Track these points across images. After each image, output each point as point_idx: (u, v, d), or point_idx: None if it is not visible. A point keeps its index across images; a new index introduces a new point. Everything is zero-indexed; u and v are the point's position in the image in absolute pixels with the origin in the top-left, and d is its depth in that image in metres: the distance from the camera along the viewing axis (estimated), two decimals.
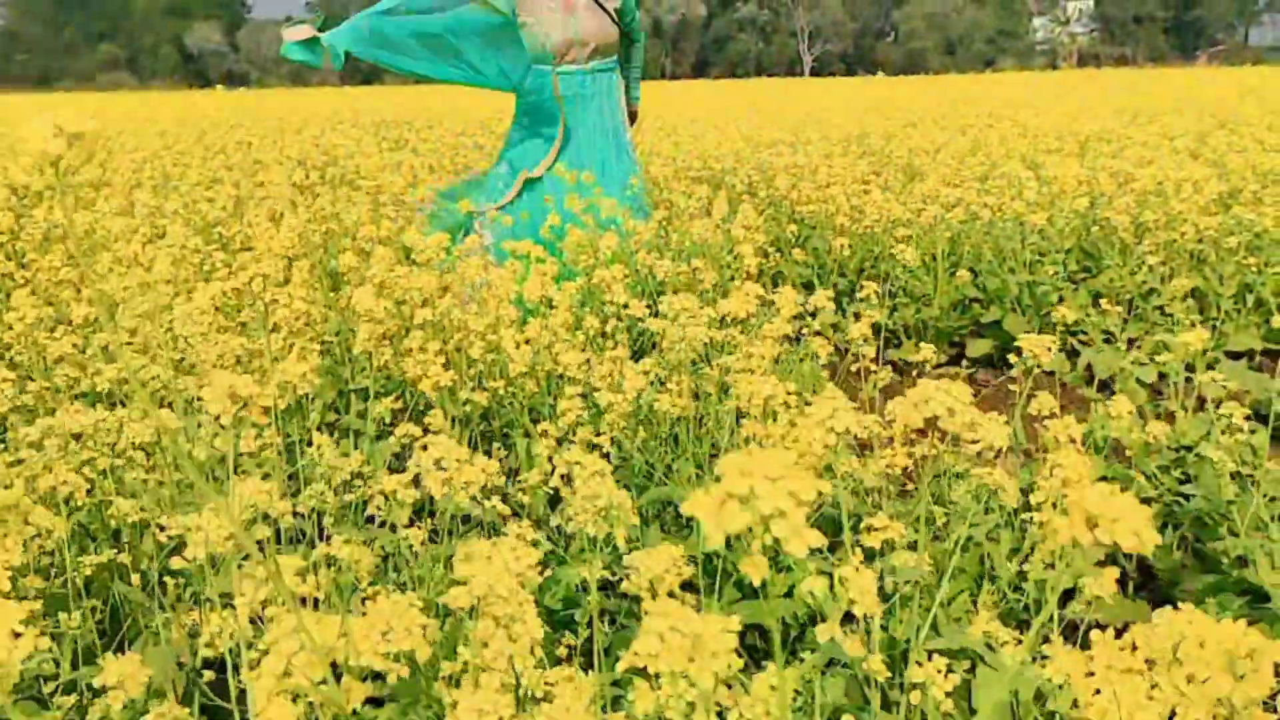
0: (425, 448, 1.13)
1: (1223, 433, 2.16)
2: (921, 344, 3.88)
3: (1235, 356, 3.79)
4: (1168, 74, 26.46)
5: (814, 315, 2.41)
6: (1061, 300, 3.84)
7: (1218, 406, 2.48)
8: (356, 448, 2.20)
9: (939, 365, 3.96)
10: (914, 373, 3.78)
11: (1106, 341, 3.79)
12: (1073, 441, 1.80)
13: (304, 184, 5.75)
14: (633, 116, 4.37)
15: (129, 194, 5.05)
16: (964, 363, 3.98)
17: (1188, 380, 3.70)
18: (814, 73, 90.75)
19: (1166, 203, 4.10)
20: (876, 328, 4.15)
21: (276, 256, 2.45)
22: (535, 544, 1.29)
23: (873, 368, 2.41)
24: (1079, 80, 19.92)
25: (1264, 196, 4.30)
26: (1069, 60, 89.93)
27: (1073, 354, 3.93)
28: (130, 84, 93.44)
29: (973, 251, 4.04)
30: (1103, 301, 3.96)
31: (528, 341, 2.25)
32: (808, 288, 4.40)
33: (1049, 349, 2.20)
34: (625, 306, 2.70)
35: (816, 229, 4.49)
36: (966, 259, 4.09)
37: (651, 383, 2.18)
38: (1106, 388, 3.77)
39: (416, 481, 1.11)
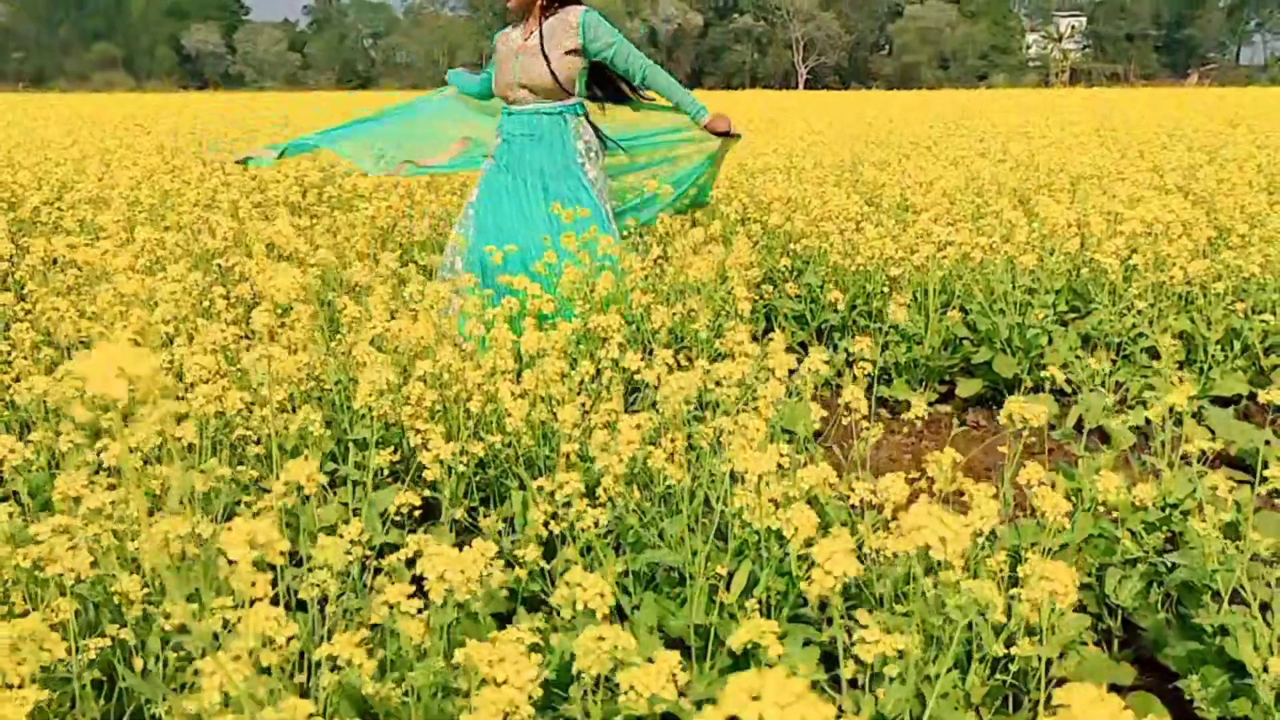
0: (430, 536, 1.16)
1: (1208, 498, 2.20)
2: (914, 392, 3.94)
3: (1222, 402, 3.83)
4: (1159, 94, 26.60)
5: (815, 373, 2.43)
6: (1051, 342, 3.88)
7: (1204, 462, 2.52)
8: (354, 498, 2.22)
9: (930, 404, 4.00)
10: (905, 429, 3.81)
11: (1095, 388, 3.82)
12: (1060, 515, 1.83)
13: (302, 205, 5.76)
14: (726, 135, 4.27)
15: (128, 213, 5.06)
16: (954, 401, 4.02)
17: (1176, 423, 3.76)
18: (808, 84, 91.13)
19: (1155, 243, 4.15)
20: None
21: (276, 305, 2.48)
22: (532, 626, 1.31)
23: (865, 424, 2.43)
24: (1071, 103, 20.02)
25: (1251, 238, 4.35)
26: (1061, 76, 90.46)
27: (1060, 394, 3.97)
28: (126, 84, 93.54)
29: (964, 290, 4.07)
30: (1093, 356, 4.01)
31: (524, 394, 2.27)
32: (799, 321, 4.43)
33: (1040, 415, 2.24)
34: (622, 350, 2.73)
35: (810, 264, 4.53)
36: (958, 296, 4.13)
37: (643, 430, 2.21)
38: (1094, 434, 3.81)
39: (419, 581, 1.13)
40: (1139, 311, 3.91)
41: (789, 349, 4.35)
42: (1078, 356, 3.93)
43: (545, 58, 3.96)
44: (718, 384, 2.12)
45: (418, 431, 1.89)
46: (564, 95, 4.05)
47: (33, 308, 3.23)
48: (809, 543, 1.45)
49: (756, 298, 4.35)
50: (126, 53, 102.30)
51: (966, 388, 3.92)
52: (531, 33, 4.02)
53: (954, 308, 4.14)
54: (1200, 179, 5.73)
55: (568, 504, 1.83)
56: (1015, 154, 6.82)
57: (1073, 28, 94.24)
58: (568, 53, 3.99)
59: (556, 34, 3.99)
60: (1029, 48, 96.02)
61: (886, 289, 4.10)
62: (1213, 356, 3.82)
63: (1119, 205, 4.82)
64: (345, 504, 2.23)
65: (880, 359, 4.08)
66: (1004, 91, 44.94)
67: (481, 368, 2.47)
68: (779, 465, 1.99)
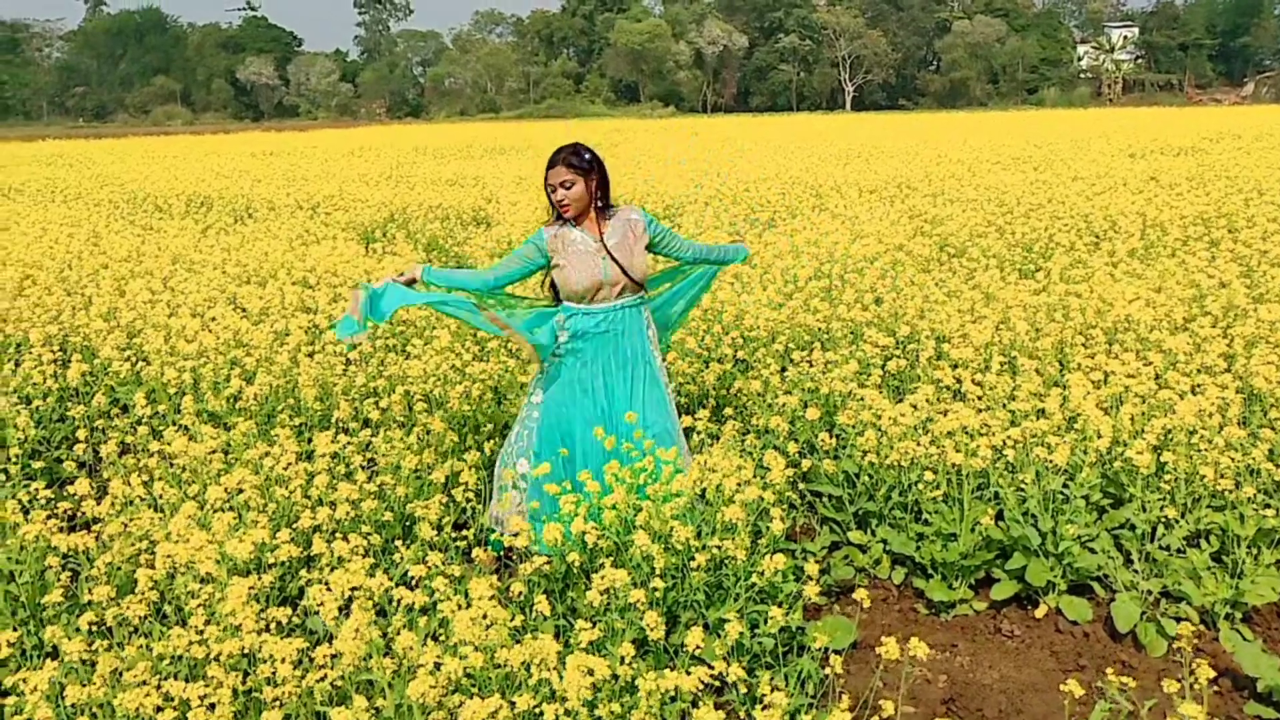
0: None
1: None
2: (950, 590, 4.04)
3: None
4: (1211, 123, 26.24)
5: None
6: (1085, 546, 3.96)
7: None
8: None
9: (963, 600, 4.10)
10: (939, 634, 3.91)
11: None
12: None
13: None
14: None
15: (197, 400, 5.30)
16: (988, 597, 4.10)
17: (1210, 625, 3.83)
18: (855, 103, 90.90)
19: (1188, 430, 4.22)
20: (904, 559, 4.32)
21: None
22: None
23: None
24: (1117, 150, 19.86)
25: None
26: (1113, 88, 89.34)
27: (1090, 593, 4.05)
28: (184, 116, 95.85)
29: (998, 491, 4.17)
30: (1125, 542, 4.10)
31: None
32: (837, 504, 4.55)
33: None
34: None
35: (849, 444, 4.64)
36: (993, 489, 4.22)
37: None
38: (1128, 637, 3.89)
39: None
40: (1170, 510, 3.98)
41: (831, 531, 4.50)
42: (1111, 558, 4.02)
43: (629, 255, 4.18)
44: None
45: None
46: (639, 289, 4.26)
47: (113, 553, 3.46)
48: None
49: (795, 471, 4.47)
50: (184, 86, 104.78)
51: (1001, 590, 4.01)
52: (602, 234, 4.18)
53: (988, 500, 4.25)
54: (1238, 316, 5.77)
55: None
56: (1054, 274, 6.89)
57: (1125, 38, 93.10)
58: (645, 249, 4.22)
59: (628, 233, 4.19)
60: (1080, 59, 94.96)
61: (921, 484, 4.21)
62: (1244, 564, 3.89)
63: (1154, 366, 4.89)
64: None
65: (916, 554, 4.20)
66: (1053, 116, 44.66)
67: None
68: None
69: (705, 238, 9.91)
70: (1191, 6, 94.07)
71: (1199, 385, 4.65)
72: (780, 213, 11.87)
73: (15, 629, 3.15)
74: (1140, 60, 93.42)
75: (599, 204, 4.19)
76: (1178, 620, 3.82)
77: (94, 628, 3.00)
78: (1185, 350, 5.09)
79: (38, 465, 4.47)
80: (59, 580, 3.38)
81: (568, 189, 4.09)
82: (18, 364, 6.22)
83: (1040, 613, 3.96)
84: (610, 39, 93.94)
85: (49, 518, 3.67)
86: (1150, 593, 3.89)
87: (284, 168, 21.31)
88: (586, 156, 4.14)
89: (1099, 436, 4.10)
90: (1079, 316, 5.63)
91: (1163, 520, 4.06)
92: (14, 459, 4.68)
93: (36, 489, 3.98)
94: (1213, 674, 2.90)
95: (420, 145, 31.15)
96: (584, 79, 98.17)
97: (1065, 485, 4.09)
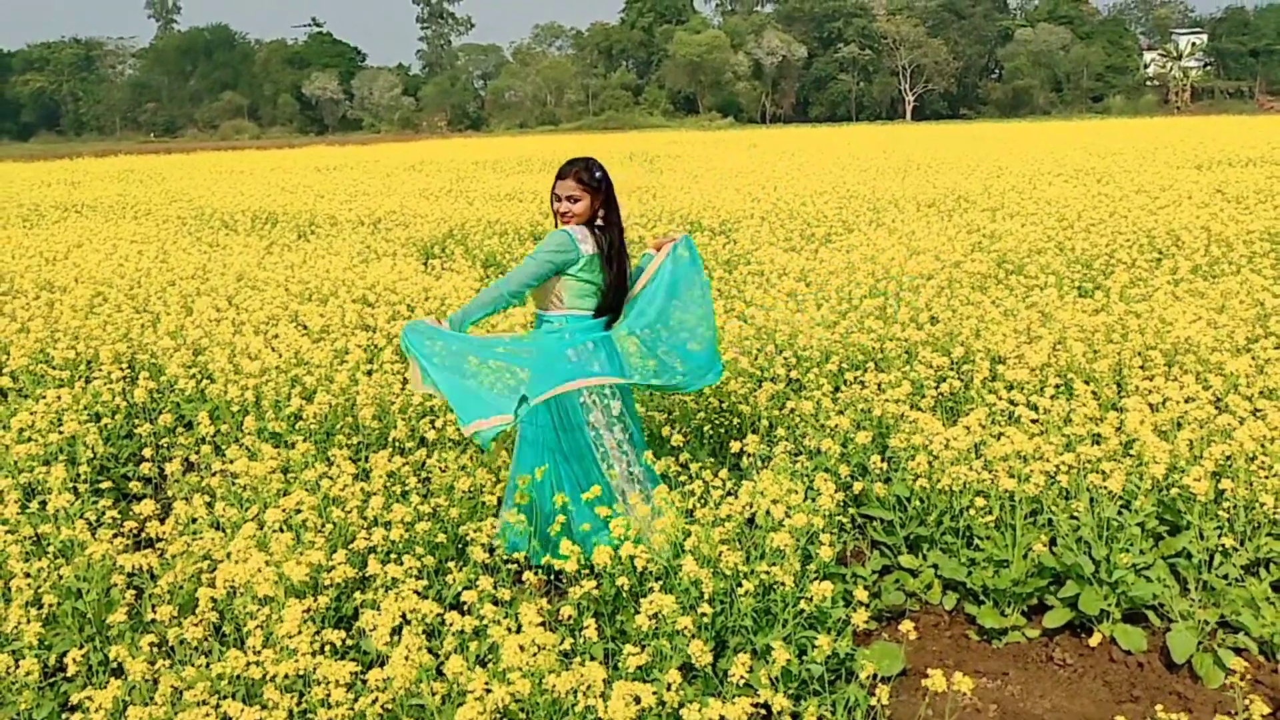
0: None
1: None
2: (1002, 616, 4.00)
3: None
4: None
5: None
6: (1140, 574, 3.91)
7: None
8: None
9: (1015, 627, 4.06)
10: (990, 662, 3.88)
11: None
12: None
13: None
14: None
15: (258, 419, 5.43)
16: (1041, 625, 4.06)
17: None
18: (915, 112, 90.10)
19: (1248, 456, 4.15)
20: (956, 584, 4.29)
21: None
22: None
23: None
24: (1182, 161, 19.46)
25: None
26: (1181, 95, 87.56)
27: (1145, 621, 3.99)
28: (251, 131, 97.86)
29: (1051, 517, 4.13)
30: (1181, 570, 4.03)
31: None
32: (888, 528, 4.53)
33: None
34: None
35: (901, 466, 4.62)
36: (1046, 513, 4.18)
37: None
38: (1184, 667, 3.83)
39: None
40: (1230, 542, 3.91)
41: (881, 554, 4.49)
42: (1166, 586, 3.95)
43: None
44: None
45: None
46: (548, 306, 4.35)
47: (175, 572, 3.56)
48: None
49: (846, 495, 4.47)
50: (251, 101, 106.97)
51: (1054, 618, 3.96)
52: None
53: (1041, 526, 4.20)
54: None
55: None
56: (1113, 293, 6.80)
57: (1193, 45, 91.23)
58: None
59: None
60: (1147, 67, 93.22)
61: (972, 509, 4.18)
62: None
63: (1215, 390, 4.81)
64: None
65: (968, 579, 4.17)
66: (1118, 125, 43.84)
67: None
68: None
69: (760, 254, 9.89)
70: (1263, 11, 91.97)
71: (1260, 410, 4.56)
72: (836, 228, 11.81)
73: (81, 646, 3.25)
74: (1209, 67, 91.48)
75: (598, 224, 4.29)
76: (1236, 651, 3.76)
77: (155, 647, 3.09)
78: (1247, 373, 5.01)
79: (105, 484, 4.60)
80: (124, 598, 3.48)
81: (573, 203, 4.21)
82: (88, 381, 6.41)
83: (1094, 641, 3.91)
84: (669, 50, 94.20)
85: (115, 536, 3.80)
86: (1207, 622, 3.83)
87: (346, 183, 21.66)
88: (598, 175, 4.25)
89: (1155, 463, 4.04)
90: (1138, 338, 5.55)
91: (1220, 548, 4.00)
92: (83, 476, 4.83)
93: (103, 507, 4.11)
94: (1268, 709, 2.86)
95: (480, 159, 31.43)
96: (643, 91, 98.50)
97: (1120, 512, 4.04)
